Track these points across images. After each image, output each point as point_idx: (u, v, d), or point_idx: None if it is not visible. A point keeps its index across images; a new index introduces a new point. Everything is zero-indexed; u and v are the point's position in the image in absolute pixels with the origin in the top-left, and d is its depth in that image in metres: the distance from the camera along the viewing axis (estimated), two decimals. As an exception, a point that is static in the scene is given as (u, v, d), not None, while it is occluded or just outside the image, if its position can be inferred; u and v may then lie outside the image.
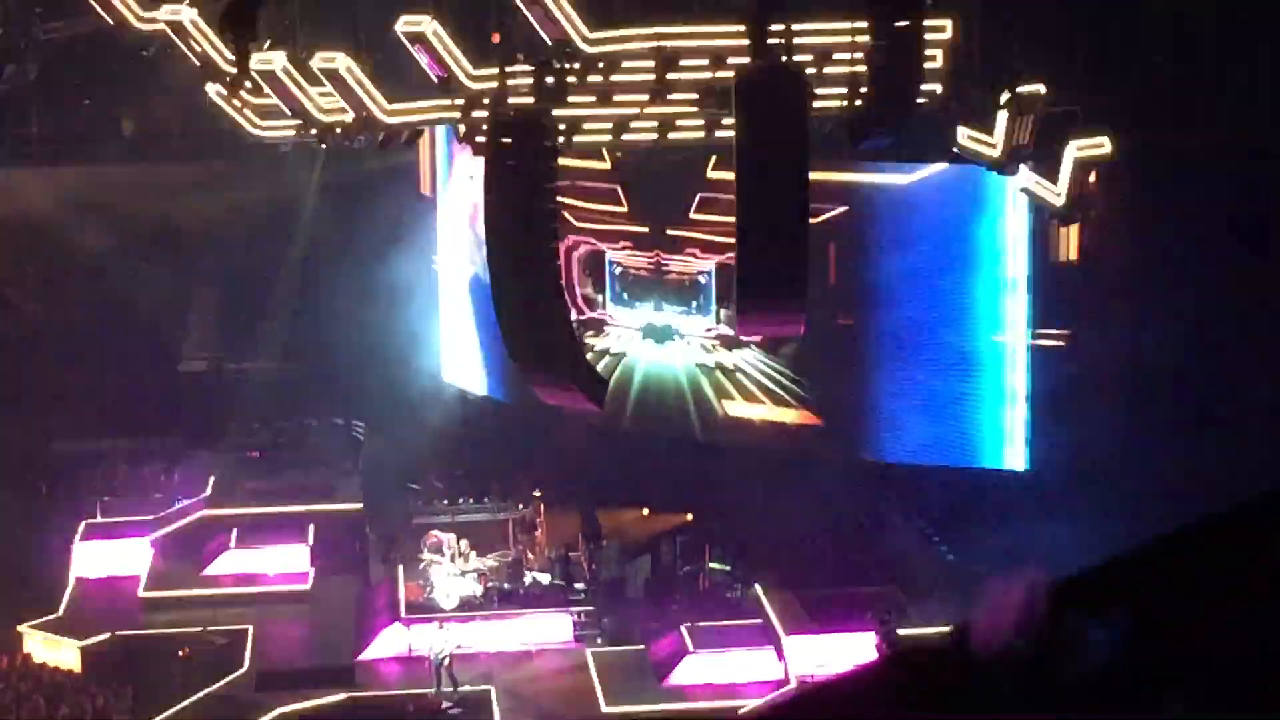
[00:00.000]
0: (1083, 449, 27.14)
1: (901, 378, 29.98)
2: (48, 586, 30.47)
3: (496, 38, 23.02)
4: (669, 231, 31.85)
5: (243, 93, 24.17)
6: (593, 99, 22.71)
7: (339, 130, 24.08)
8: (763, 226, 19.35)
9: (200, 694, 26.98)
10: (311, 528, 32.11)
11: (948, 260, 29.19)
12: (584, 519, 31.73)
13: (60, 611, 29.84)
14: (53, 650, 28.81)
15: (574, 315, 26.90)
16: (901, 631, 26.85)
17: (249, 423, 36.23)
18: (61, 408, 34.30)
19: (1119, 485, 24.95)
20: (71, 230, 34.92)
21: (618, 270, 32.56)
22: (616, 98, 22.77)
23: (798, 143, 19.28)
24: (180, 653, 28.00)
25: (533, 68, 21.68)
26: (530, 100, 21.44)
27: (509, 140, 20.39)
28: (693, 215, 31.25)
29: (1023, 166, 22.75)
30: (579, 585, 30.31)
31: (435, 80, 23.13)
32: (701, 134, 23.00)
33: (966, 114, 22.76)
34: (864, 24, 20.56)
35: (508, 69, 21.93)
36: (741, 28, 20.63)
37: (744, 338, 30.27)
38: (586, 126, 23.02)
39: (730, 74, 20.46)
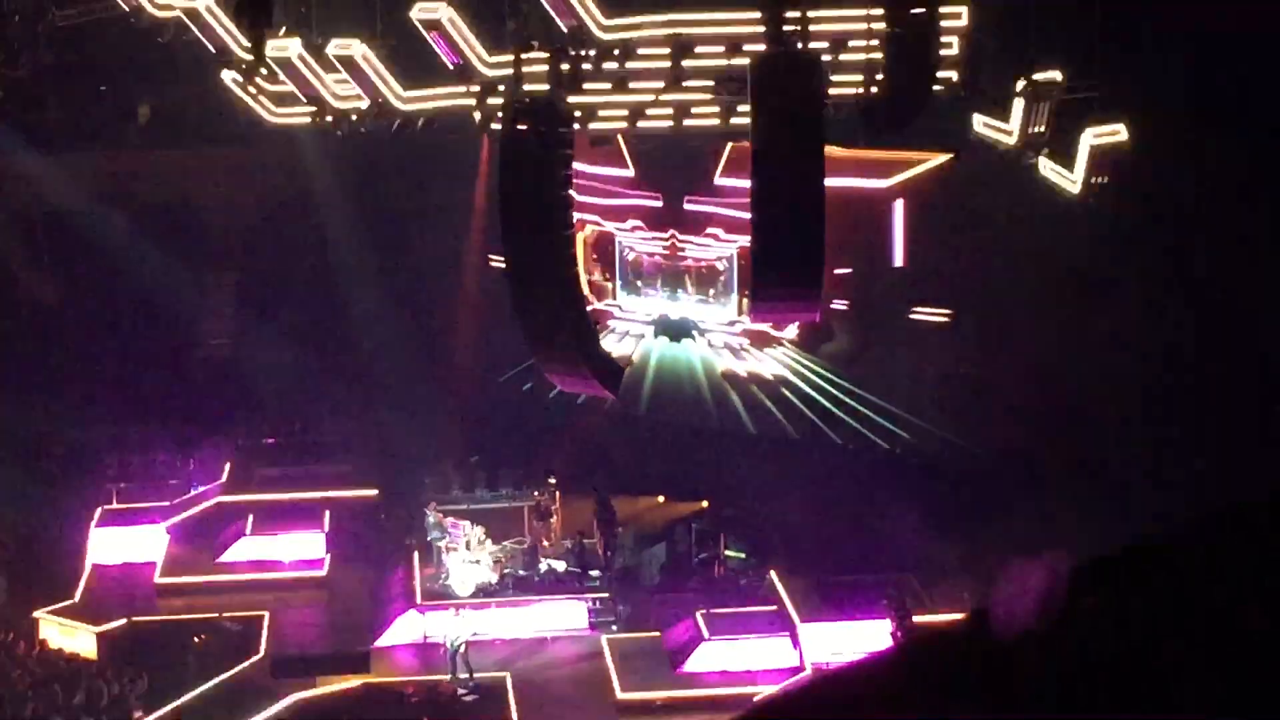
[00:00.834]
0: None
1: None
2: (64, 573, 30.51)
3: (513, 24, 23.01)
4: (687, 205, 31.16)
5: (258, 79, 24.22)
6: (608, 86, 22.71)
7: (354, 116, 24.12)
8: (779, 215, 19.33)
9: (215, 680, 27.00)
10: (327, 514, 32.12)
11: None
12: (599, 506, 31.72)
13: (76, 598, 29.85)
14: (69, 636, 28.84)
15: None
16: (917, 618, 26.82)
17: (265, 409, 36.21)
18: (77, 393, 34.31)
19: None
20: (88, 217, 34.92)
21: (630, 255, 32.23)
22: (632, 85, 22.78)
23: (814, 130, 19.26)
24: (196, 639, 28.04)
25: (548, 55, 21.67)
26: (545, 87, 21.44)
27: (524, 127, 20.39)
28: (718, 180, 30.27)
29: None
30: (594, 572, 30.28)
31: (451, 67, 23.16)
32: (716, 121, 22.99)
33: (982, 101, 22.75)
34: (879, 10, 20.55)
35: (523, 56, 21.92)
36: (756, 14, 20.61)
37: (765, 327, 30.03)
38: (602, 113, 23.05)
39: (745, 61, 20.44)
